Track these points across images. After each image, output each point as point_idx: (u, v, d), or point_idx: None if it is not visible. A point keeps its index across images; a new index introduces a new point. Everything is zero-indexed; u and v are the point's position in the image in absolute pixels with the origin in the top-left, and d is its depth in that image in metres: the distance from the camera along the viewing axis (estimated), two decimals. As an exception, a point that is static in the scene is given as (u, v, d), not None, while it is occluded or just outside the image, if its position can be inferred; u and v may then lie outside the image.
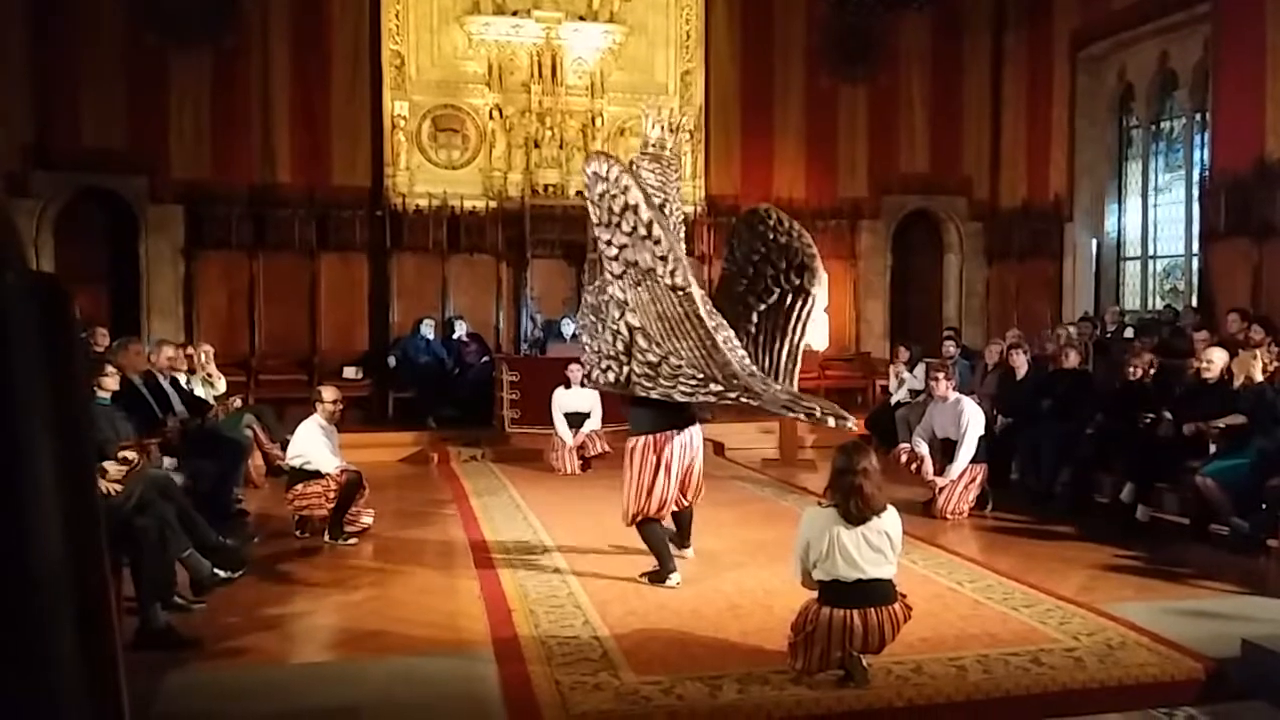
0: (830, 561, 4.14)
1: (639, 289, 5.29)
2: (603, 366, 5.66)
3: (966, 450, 7.53)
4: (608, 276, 5.55)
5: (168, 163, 11.99)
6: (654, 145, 6.12)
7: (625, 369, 5.53)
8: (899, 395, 10.54)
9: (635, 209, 5.11)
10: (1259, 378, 6.92)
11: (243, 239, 12.20)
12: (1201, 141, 11.44)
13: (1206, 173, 10.88)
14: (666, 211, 5.87)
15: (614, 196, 5.17)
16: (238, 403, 8.82)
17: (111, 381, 6.13)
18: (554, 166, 12.80)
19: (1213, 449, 6.88)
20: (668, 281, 5.09)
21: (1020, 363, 9.01)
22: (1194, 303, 10.89)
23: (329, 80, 12.47)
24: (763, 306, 5.79)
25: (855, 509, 4.13)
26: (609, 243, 5.35)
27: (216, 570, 5.45)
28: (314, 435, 6.90)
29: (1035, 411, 8.49)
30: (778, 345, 5.72)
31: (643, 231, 5.12)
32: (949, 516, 7.53)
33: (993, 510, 7.75)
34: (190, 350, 8.96)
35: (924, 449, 7.75)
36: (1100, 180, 12.89)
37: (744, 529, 7.13)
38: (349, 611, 5.36)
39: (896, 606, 4.20)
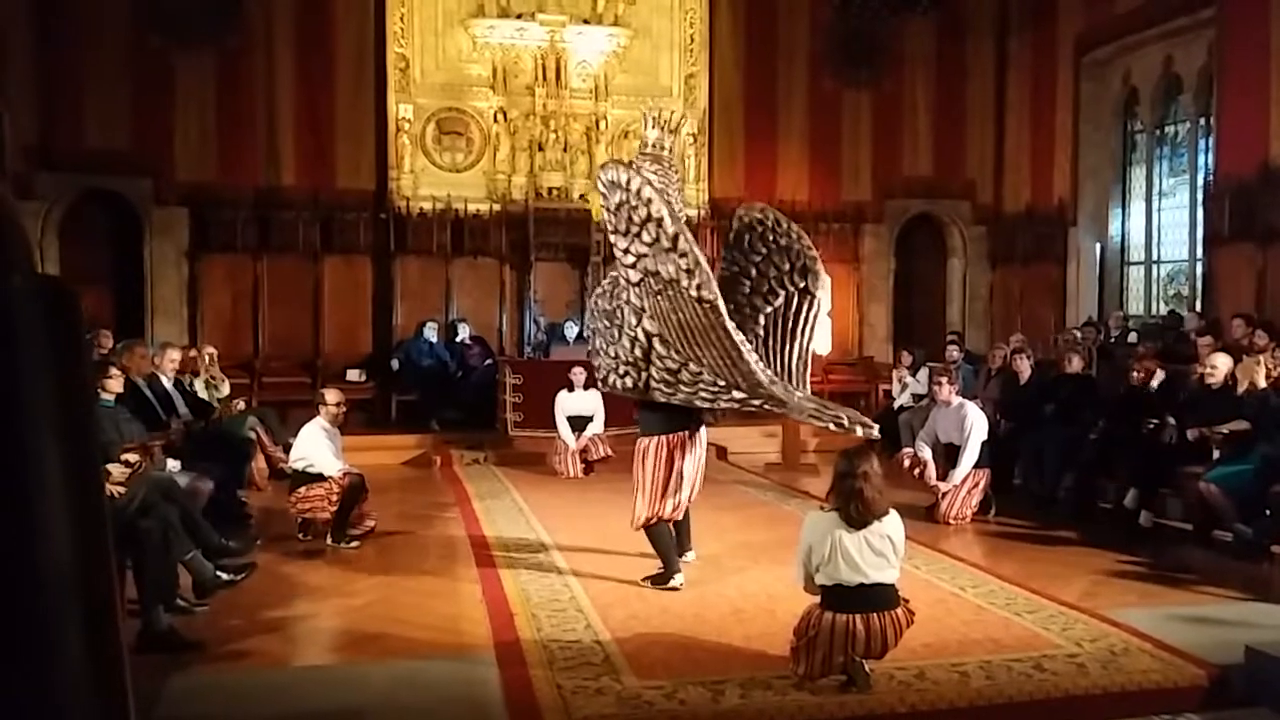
0: (832, 565, 4.14)
1: (658, 298, 5.30)
2: (620, 372, 5.66)
3: (969, 455, 7.52)
4: (622, 283, 5.55)
5: (172, 165, 12.01)
6: (653, 146, 6.11)
7: (644, 375, 5.55)
8: (902, 400, 10.54)
9: (659, 222, 5.12)
10: (1263, 384, 6.91)
11: (247, 241, 12.21)
12: (1206, 146, 11.42)
13: (1211, 177, 10.86)
14: None
15: (634, 208, 5.17)
16: (241, 405, 8.83)
17: (115, 384, 6.14)
18: (558, 170, 12.81)
19: (1216, 454, 6.87)
20: (694, 294, 5.08)
21: (1024, 367, 9.00)
22: (1198, 308, 10.87)
23: (333, 83, 12.49)
24: (769, 309, 5.79)
25: (856, 513, 4.13)
26: (626, 251, 5.35)
27: (219, 573, 5.46)
28: (317, 438, 6.91)
29: (1038, 416, 8.49)
30: (787, 349, 5.72)
31: (666, 244, 5.11)
32: (952, 521, 7.52)
33: (996, 515, 7.74)
34: (195, 353, 8.97)
35: (927, 454, 7.75)
36: (1104, 185, 12.88)
37: (747, 533, 7.13)
38: (351, 614, 5.36)
39: (899, 611, 4.19)
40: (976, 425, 7.55)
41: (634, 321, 5.51)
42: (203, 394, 8.33)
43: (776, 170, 13.54)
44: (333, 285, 12.50)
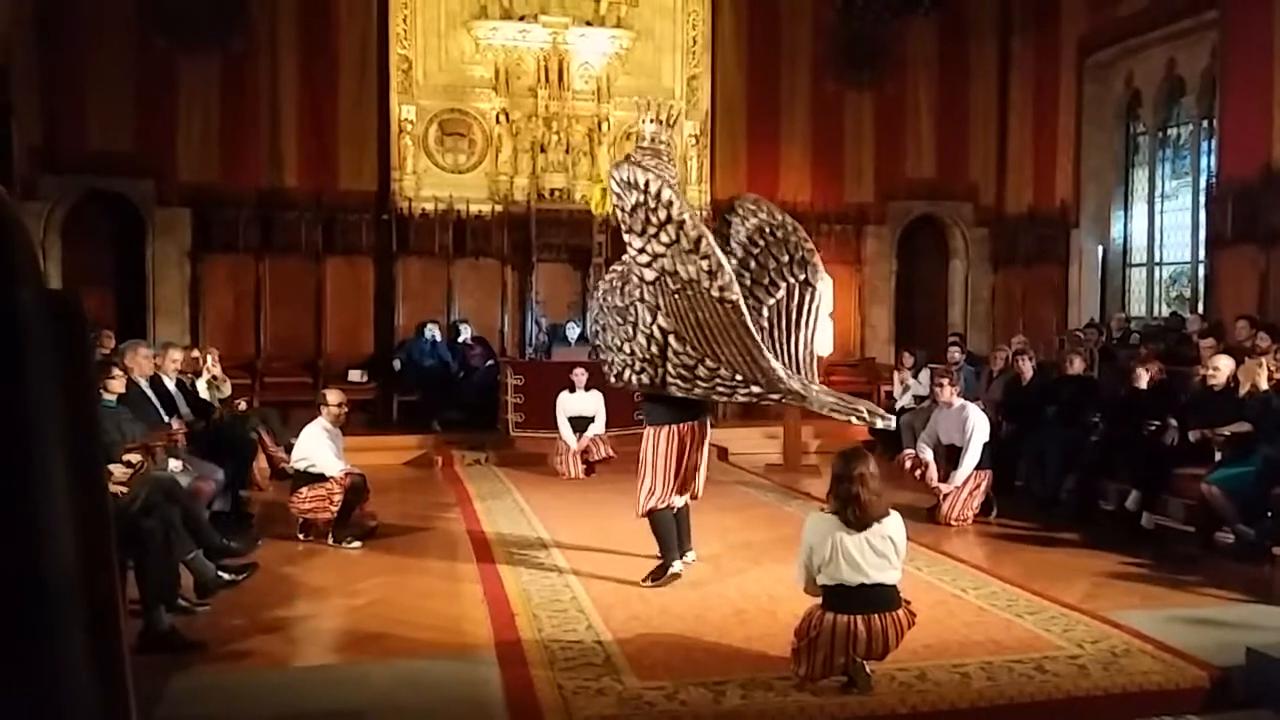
0: (834, 565, 4.14)
1: (675, 296, 5.34)
2: (637, 369, 5.68)
3: (971, 456, 7.52)
4: (635, 280, 5.57)
5: (175, 166, 12.03)
6: (650, 140, 6.10)
7: (660, 371, 5.59)
8: (904, 401, 10.53)
9: (681, 225, 5.18)
10: (1264, 385, 6.90)
11: (249, 242, 12.22)
12: (1208, 148, 11.42)
13: (1213, 179, 10.86)
14: None
15: (653, 210, 5.22)
16: (243, 405, 8.84)
17: (118, 384, 6.15)
18: (560, 171, 12.82)
19: (1218, 456, 6.86)
20: (716, 295, 5.15)
21: (1025, 369, 9.00)
22: (1200, 310, 10.86)
23: (336, 84, 12.50)
24: (771, 301, 5.79)
25: (854, 516, 4.13)
26: (642, 250, 5.39)
27: (221, 573, 5.47)
28: (319, 438, 6.92)
29: (1040, 418, 8.48)
30: (792, 341, 5.72)
31: (687, 246, 5.17)
32: (953, 523, 7.52)
33: (997, 517, 7.74)
34: (197, 353, 8.98)
35: (929, 455, 7.75)
36: (1107, 186, 12.88)
37: (748, 534, 7.13)
38: (352, 615, 5.37)
39: (900, 612, 4.19)
40: (978, 427, 7.55)
41: (649, 319, 5.54)
42: (205, 394, 8.33)
43: (779, 172, 13.54)
44: (335, 286, 12.51)
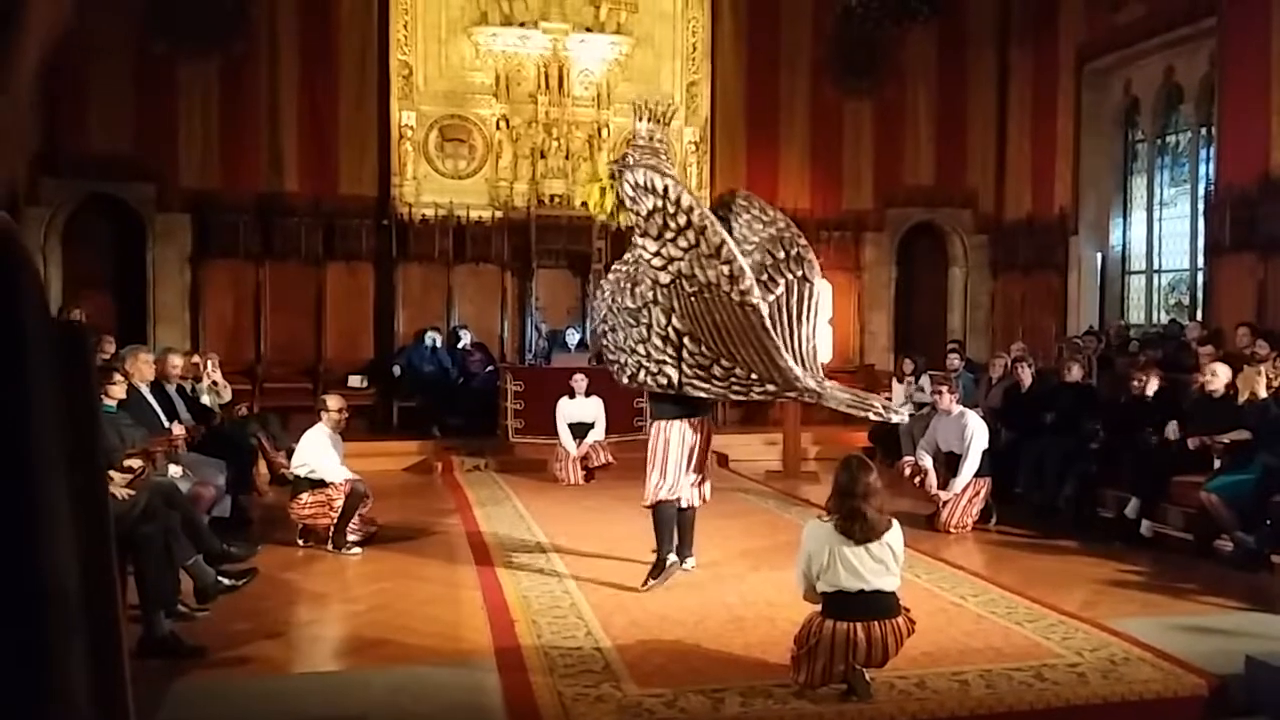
0: (833, 572, 4.14)
1: (692, 299, 5.39)
2: (652, 370, 5.70)
3: (970, 464, 7.52)
4: (649, 282, 5.58)
5: (175, 171, 12.04)
6: (647, 139, 6.10)
7: (676, 372, 5.62)
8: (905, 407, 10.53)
9: (702, 231, 5.23)
10: (1263, 393, 6.92)
11: (250, 247, 12.24)
12: (1207, 155, 11.44)
13: (1212, 187, 10.87)
14: None
15: (671, 215, 5.28)
16: (243, 411, 8.83)
17: (118, 389, 6.14)
18: (560, 177, 12.84)
19: (1217, 464, 6.87)
20: (737, 299, 5.20)
21: (1025, 376, 9.01)
22: (1199, 317, 10.87)
23: (337, 89, 12.53)
24: (771, 297, 5.79)
25: (859, 533, 4.14)
26: (657, 253, 5.42)
27: (220, 578, 5.46)
28: (319, 444, 6.92)
29: (1039, 425, 8.48)
30: (794, 337, 5.74)
31: (707, 251, 5.22)
32: (952, 530, 7.52)
33: (996, 524, 7.74)
34: (197, 358, 8.98)
35: (928, 462, 7.75)
36: (1105, 194, 12.90)
37: (747, 541, 7.13)
38: (352, 621, 5.37)
39: (900, 620, 4.20)
40: (977, 434, 7.56)
41: (663, 320, 5.57)
42: (205, 400, 8.33)
43: (778, 178, 13.55)
44: (335, 291, 12.52)
